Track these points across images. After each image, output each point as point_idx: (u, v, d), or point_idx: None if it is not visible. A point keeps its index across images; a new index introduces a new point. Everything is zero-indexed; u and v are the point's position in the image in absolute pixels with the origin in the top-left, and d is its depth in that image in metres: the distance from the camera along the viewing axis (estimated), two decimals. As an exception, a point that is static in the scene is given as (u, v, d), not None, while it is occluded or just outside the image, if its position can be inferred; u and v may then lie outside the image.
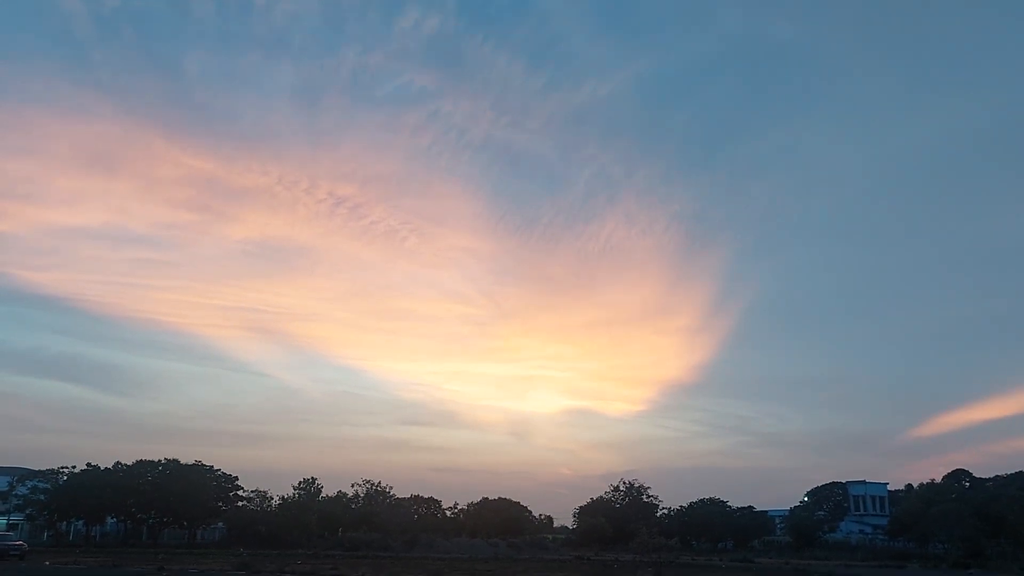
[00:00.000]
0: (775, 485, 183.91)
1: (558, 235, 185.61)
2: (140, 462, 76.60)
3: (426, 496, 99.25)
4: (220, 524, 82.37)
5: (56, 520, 73.81)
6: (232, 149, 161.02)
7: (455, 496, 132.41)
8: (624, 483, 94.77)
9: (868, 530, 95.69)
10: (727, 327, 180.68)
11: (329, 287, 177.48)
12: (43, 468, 74.47)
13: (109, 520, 78.29)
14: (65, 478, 73.33)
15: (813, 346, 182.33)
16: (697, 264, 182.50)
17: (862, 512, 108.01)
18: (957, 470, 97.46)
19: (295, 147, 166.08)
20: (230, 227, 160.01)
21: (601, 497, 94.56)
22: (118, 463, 76.33)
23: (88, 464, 74.85)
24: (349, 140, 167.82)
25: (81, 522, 76.65)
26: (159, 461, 77.09)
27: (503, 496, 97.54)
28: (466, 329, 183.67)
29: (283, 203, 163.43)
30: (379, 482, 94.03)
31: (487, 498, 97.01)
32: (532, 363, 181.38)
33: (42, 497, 71.12)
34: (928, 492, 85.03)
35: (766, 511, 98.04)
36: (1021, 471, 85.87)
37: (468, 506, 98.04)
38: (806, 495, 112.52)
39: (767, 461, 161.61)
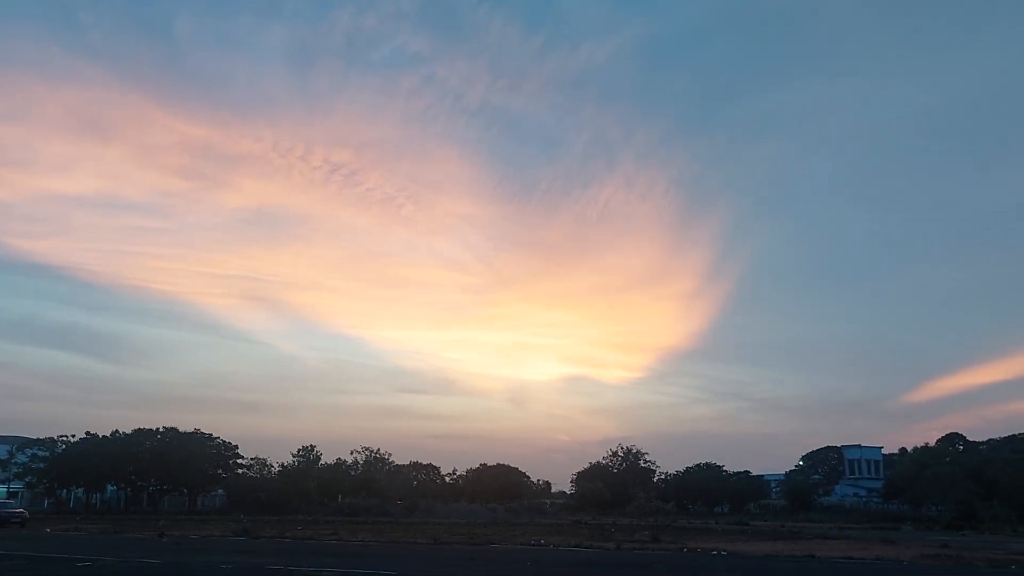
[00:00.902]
0: (771, 450, 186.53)
1: (556, 201, 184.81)
2: (138, 430, 76.81)
3: (425, 463, 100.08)
4: (220, 491, 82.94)
5: (56, 488, 74.19)
6: (226, 114, 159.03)
7: (454, 462, 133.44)
8: (622, 448, 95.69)
9: (863, 493, 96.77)
10: (725, 292, 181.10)
11: (325, 255, 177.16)
12: (40, 436, 74.69)
13: (109, 488, 78.73)
14: (63, 447, 73.55)
15: (810, 311, 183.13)
16: (695, 229, 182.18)
17: (857, 475, 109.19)
18: (951, 434, 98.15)
19: (289, 112, 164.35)
20: (225, 195, 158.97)
21: (599, 462, 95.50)
22: (116, 431, 76.59)
23: (87, 432, 75.19)
24: (343, 105, 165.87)
25: (81, 490, 77.10)
26: (157, 429, 77.34)
27: (501, 462, 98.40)
28: (464, 297, 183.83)
29: (278, 170, 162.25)
30: (378, 449, 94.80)
31: (485, 464, 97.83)
32: (530, 330, 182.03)
33: (41, 465, 71.37)
34: (922, 455, 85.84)
35: (762, 475, 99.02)
36: (1014, 434, 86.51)
37: (467, 472, 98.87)
38: (802, 459, 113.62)
39: (763, 426, 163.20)
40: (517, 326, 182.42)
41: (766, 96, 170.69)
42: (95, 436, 75.03)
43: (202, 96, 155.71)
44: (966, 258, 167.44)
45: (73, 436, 74.54)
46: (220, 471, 78.75)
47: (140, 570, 19.31)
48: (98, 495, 79.49)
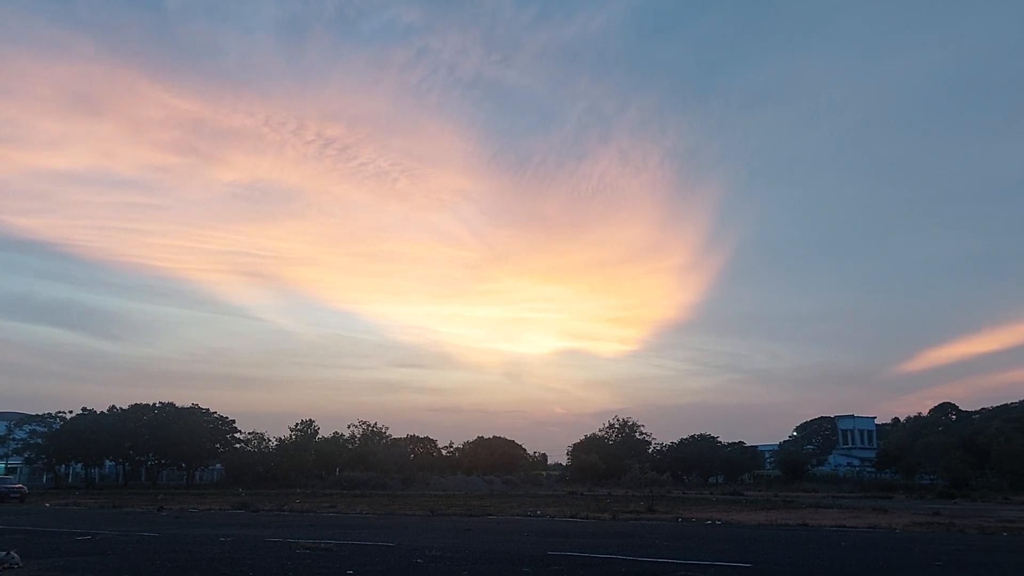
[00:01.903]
0: (765, 420, 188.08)
1: (551, 174, 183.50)
2: (135, 406, 77.02)
3: (422, 436, 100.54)
4: (218, 465, 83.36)
5: (55, 463, 74.55)
6: (217, 89, 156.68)
7: (450, 435, 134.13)
8: (617, 420, 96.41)
9: (856, 463, 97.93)
10: (719, 265, 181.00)
11: (320, 230, 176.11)
12: (38, 412, 74.85)
13: (107, 463, 79.07)
14: (61, 423, 73.75)
15: (804, 282, 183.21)
16: (690, 201, 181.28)
17: (850, 445, 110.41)
18: (943, 403, 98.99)
19: (281, 86, 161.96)
20: (218, 170, 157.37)
21: (594, 434, 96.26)
22: (113, 407, 76.86)
23: (84, 408, 75.46)
24: (336, 78, 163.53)
25: (80, 465, 77.44)
26: (154, 405, 77.56)
27: (498, 435, 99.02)
28: (459, 271, 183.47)
29: (271, 145, 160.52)
30: (375, 423, 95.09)
31: (482, 437, 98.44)
32: (525, 304, 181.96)
33: (40, 441, 71.63)
34: (915, 425, 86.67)
35: (756, 446, 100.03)
36: (1006, 404, 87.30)
37: (463, 445, 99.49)
38: (795, 430, 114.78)
39: (758, 397, 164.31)
40: (512, 300, 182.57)
41: (763, 65, 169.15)
42: (92, 412, 75.27)
43: (193, 69, 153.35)
44: (960, 229, 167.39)
45: (71, 412, 74.99)
46: (218, 446, 79.14)
47: (140, 543, 19.38)
48: (97, 470, 79.88)
